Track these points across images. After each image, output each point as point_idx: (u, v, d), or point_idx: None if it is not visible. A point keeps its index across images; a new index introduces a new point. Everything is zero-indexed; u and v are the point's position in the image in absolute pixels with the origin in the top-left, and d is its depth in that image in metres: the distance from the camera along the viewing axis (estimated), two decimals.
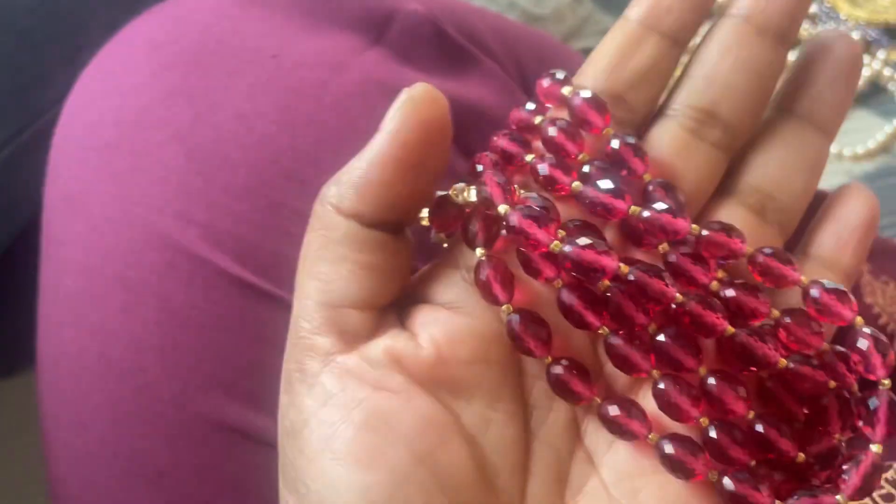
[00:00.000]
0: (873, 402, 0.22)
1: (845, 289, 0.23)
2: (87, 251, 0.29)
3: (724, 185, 0.26)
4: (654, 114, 0.26)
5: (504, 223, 0.23)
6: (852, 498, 0.21)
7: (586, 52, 0.26)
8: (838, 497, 0.21)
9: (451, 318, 0.23)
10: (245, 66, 0.29)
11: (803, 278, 0.23)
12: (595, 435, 0.23)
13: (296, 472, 0.21)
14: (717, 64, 0.25)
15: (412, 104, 0.21)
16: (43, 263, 0.31)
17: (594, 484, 0.22)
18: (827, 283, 0.23)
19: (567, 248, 0.22)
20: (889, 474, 0.26)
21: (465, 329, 0.23)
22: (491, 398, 0.22)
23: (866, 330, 0.23)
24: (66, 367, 0.29)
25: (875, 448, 0.22)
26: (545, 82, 0.26)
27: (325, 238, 0.22)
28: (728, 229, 0.23)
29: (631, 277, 0.22)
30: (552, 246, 0.22)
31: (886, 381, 0.22)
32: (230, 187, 0.28)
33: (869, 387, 0.23)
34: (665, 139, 0.25)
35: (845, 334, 0.23)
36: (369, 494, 0.20)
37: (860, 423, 0.22)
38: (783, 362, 0.22)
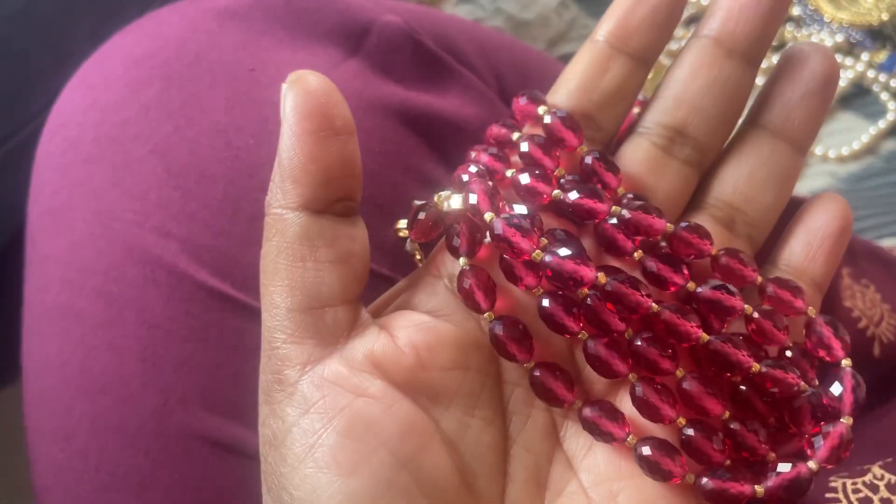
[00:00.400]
0: (836, 388, 0.23)
1: (798, 284, 0.24)
2: (68, 266, 0.29)
3: (695, 199, 0.26)
4: (625, 132, 0.26)
5: (489, 231, 0.23)
6: (825, 463, 0.22)
7: (571, 57, 0.26)
8: (810, 463, 0.22)
9: (432, 325, 0.23)
10: (223, 80, 0.29)
11: (759, 277, 0.24)
12: (574, 439, 0.23)
13: (279, 480, 0.21)
14: (687, 84, 0.25)
15: (295, 84, 0.22)
16: (27, 277, 0.32)
17: (573, 487, 0.23)
18: (781, 278, 0.24)
19: (548, 258, 0.22)
20: (867, 478, 0.26)
21: (446, 336, 0.23)
22: (469, 404, 0.23)
23: (823, 318, 0.24)
24: (49, 380, 0.29)
25: (845, 420, 0.23)
26: (521, 101, 0.26)
27: (281, 243, 0.22)
28: (697, 230, 0.24)
29: (608, 288, 0.23)
30: (534, 255, 0.23)
31: (847, 360, 0.24)
32: (209, 201, 0.28)
33: (830, 368, 0.24)
34: (637, 156, 0.26)
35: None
36: (353, 500, 0.20)
37: (827, 403, 0.23)
38: (756, 367, 0.23)
